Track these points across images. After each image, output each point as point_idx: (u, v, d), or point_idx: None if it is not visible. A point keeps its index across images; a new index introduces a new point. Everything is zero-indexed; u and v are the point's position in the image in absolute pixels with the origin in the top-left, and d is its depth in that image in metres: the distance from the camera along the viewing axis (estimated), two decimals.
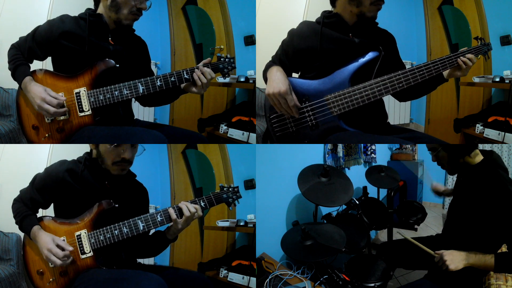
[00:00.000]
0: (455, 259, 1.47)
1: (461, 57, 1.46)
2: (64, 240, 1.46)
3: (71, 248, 1.44)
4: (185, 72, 1.55)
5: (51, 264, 1.47)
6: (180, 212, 1.50)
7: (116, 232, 1.48)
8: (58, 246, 1.43)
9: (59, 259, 1.41)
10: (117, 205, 1.52)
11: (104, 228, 1.48)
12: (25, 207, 1.53)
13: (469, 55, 1.45)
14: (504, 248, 1.67)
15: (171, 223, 1.52)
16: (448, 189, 2.14)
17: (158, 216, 1.50)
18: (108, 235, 1.47)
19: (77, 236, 1.47)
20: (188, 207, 1.50)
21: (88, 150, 1.60)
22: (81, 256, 1.47)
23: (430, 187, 2.18)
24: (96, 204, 1.50)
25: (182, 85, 1.61)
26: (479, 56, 1.53)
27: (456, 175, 1.74)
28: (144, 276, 1.36)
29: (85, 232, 1.48)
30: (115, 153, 1.50)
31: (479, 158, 1.55)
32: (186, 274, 1.62)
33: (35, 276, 1.50)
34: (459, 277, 1.50)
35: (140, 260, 1.71)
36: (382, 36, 1.61)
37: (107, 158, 1.51)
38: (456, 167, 1.60)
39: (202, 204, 1.55)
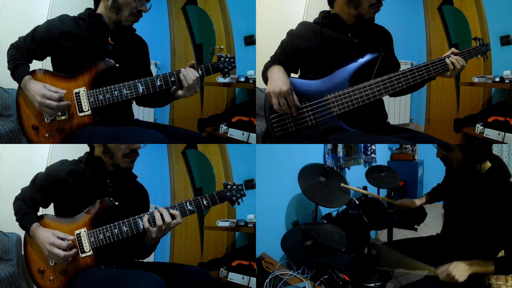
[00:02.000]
0: (462, 272, 1.44)
1: (450, 57, 1.45)
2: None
3: (72, 237, 1.45)
4: None
5: (52, 262, 1.47)
6: (154, 220, 1.46)
7: (116, 231, 1.47)
8: (59, 238, 1.43)
9: (63, 250, 1.42)
10: (117, 203, 1.51)
11: (104, 227, 1.48)
12: (26, 205, 1.53)
13: (457, 57, 1.45)
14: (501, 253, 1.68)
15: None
16: (418, 201, 2.04)
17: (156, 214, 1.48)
18: (108, 234, 1.47)
19: (76, 234, 1.47)
20: (163, 216, 1.45)
21: (88, 150, 1.60)
22: (81, 255, 1.47)
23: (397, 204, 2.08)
24: (95, 202, 1.50)
25: (171, 89, 1.60)
26: (479, 56, 1.53)
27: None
28: (143, 276, 1.36)
29: (85, 231, 1.48)
30: (124, 145, 1.50)
31: (488, 164, 1.53)
32: (185, 268, 1.62)
33: (36, 275, 1.50)
34: None
35: None
36: (380, 34, 1.61)
37: (117, 152, 1.51)
38: (465, 170, 1.56)
39: (205, 202, 1.51)
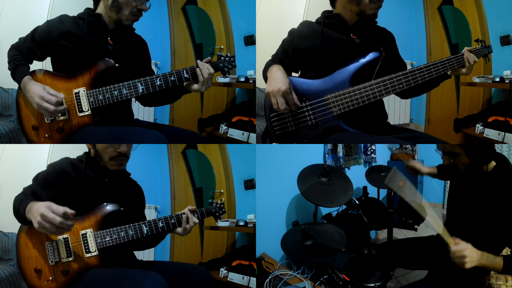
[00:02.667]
0: (473, 258, 1.38)
1: (466, 53, 1.46)
2: (67, 239, 1.47)
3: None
4: (185, 71, 1.55)
5: (52, 261, 1.46)
6: (179, 223, 1.61)
7: (122, 233, 1.51)
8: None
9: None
10: (122, 208, 1.55)
11: (111, 229, 1.51)
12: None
13: (471, 53, 1.47)
14: (508, 250, 1.68)
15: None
16: (427, 169, 2.00)
17: (160, 223, 1.58)
18: (115, 236, 1.50)
19: (82, 234, 1.48)
20: (189, 221, 1.61)
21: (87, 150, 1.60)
22: (85, 255, 1.47)
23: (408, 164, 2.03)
24: (102, 204, 1.52)
25: (184, 84, 1.61)
26: (479, 57, 1.53)
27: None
28: (145, 275, 1.36)
29: (91, 231, 1.49)
30: (111, 149, 1.52)
31: (492, 163, 1.53)
32: (185, 266, 1.66)
33: (31, 275, 1.45)
34: (460, 278, 1.50)
35: (140, 258, 1.72)
36: (382, 35, 1.61)
37: (104, 155, 1.54)
38: (473, 172, 1.56)
39: (195, 216, 1.64)
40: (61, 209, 1.32)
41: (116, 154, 1.53)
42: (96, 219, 1.51)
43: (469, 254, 1.37)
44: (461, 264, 1.38)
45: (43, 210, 1.30)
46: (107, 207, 1.52)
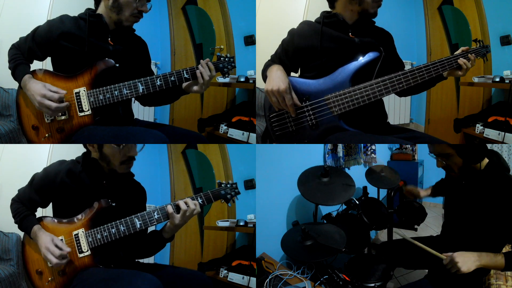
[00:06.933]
0: (467, 261, 1.41)
1: (461, 58, 1.47)
2: (62, 240, 1.47)
3: (68, 249, 1.45)
4: (185, 71, 1.55)
5: (49, 263, 1.47)
6: (177, 208, 1.51)
7: (113, 230, 1.48)
8: (56, 246, 1.43)
9: (55, 257, 1.42)
10: (114, 204, 1.52)
11: (101, 226, 1.48)
12: (24, 207, 1.53)
13: (469, 55, 1.47)
14: (508, 247, 1.68)
15: (168, 220, 1.53)
16: (423, 192, 2.09)
17: (155, 214, 1.51)
18: (105, 234, 1.48)
19: (74, 235, 1.48)
20: (187, 202, 1.50)
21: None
22: (79, 255, 1.47)
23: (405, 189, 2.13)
24: (93, 203, 1.51)
25: (183, 85, 1.61)
26: (478, 57, 1.53)
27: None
28: (140, 276, 1.36)
29: (83, 231, 1.48)
30: (122, 153, 1.51)
31: (485, 161, 1.54)
32: (185, 272, 1.62)
33: (34, 276, 1.50)
34: (460, 277, 1.50)
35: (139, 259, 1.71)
36: (380, 35, 1.61)
37: (114, 159, 1.52)
38: (467, 172, 1.55)
39: (200, 200, 1.55)
40: (59, 251, 1.43)
41: (126, 158, 1.53)
42: (88, 218, 1.50)
43: (460, 259, 1.40)
44: (458, 271, 1.41)
45: (48, 245, 1.43)
46: (97, 204, 1.50)
